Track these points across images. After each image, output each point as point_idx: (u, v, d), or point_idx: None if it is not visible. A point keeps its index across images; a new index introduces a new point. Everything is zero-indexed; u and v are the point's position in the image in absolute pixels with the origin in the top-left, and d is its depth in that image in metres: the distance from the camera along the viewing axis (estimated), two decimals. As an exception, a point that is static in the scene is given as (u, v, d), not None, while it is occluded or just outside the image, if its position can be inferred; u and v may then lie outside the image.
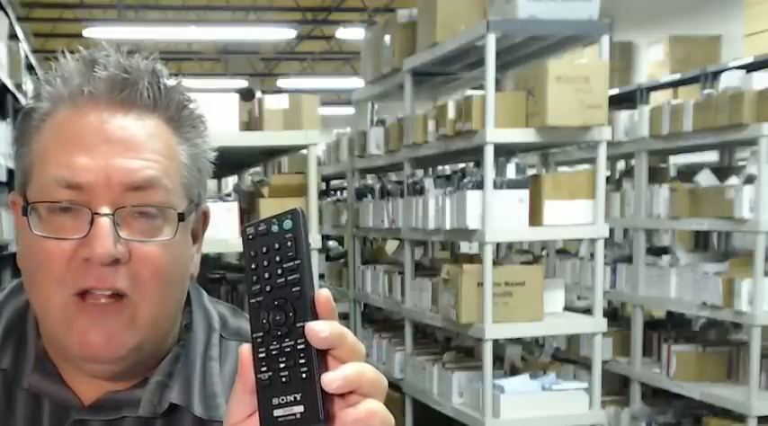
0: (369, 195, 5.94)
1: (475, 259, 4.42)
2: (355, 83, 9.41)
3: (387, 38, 5.40)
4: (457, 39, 4.44)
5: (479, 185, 4.10)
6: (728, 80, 4.79)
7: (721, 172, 5.12)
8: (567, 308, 4.63)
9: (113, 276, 0.87)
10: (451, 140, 4.43)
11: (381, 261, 6.27)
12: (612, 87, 5.48)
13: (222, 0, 14.02)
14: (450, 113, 4.36)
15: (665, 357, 5.10)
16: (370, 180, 7.15)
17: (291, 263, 0.74)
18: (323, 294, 0.73)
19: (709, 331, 5.52)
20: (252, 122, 4.07)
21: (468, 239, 4.43)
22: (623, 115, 5.41)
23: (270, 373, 0.73)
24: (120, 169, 0.88)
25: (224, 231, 3.55)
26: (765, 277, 4.41)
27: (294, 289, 0.73)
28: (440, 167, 6.34)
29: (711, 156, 6.04)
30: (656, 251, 5.66)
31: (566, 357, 5.64)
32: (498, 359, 4.55)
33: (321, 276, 6.97)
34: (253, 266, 0.75)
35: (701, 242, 6.09)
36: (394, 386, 5.27)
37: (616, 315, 6.01)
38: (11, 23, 5.13)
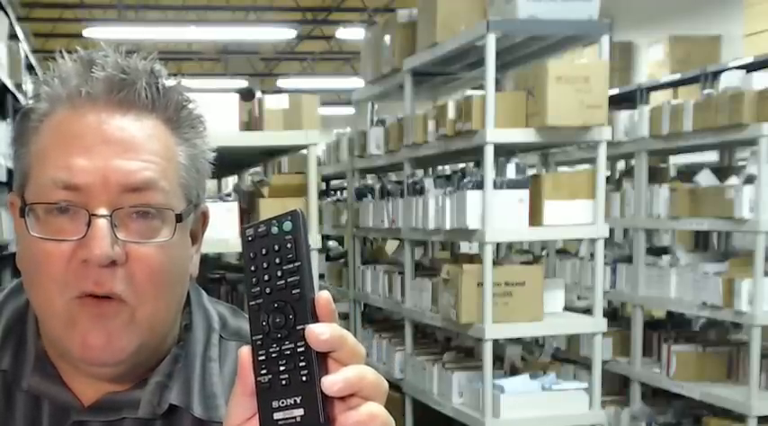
0: (369, 195, 5.94)
1: (475, 259, 4.42)
2: (355, 83, 9.41)
3: (387, 38, 5.40)
4: (457, 39, 4.44)
5: (479, 185, 4.10)
6: (728, 80, 4.79)
7: (721, 172, 5.12)
8: (567, 308, 4.63)
9: (111, 278, 0.87)
10: (451, 140, 4.43)
11: (381, 261, 6.27)
12: (612, 87, 5.48)
13: (222, 0, 14.02)
14: (451, 113, 4.35)
15: (665, 357, 5.10)
16: (370, 180, 7.15)
17: (291, 265, 0.73)
18: (323, 296, 0.73)
19: (710, 331, 5.52)
20: (252, 122, 4.07)
21: (468, 239, 4.43)
22: (623, 115, 5.41)
23: (270, 376, 0.73)
24: (118, 170, 0.87)
25: (224, 231, 3.54)
26: (765, 277, 4.41)
27: (294, 292, 0.73)
28: (440, 167, 6.34)
29: (711, 156, 6.04)
30: (656, 251, 5.66)
31: (566, 357, 5.64)
32: (498, 359, 4.55)
33: (321, 276, 6.97)
34: (252, 268, 0.75)
35: (701, 242, 6.09)
36: (394, 386, 5.27)
37: (616, 315, 6.00)
38: (11, 23, 5.13)
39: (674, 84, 6.38)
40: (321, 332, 0.71)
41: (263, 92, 5.09)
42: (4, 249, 4.32)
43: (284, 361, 0.72)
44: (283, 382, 0.72)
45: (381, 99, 6.38)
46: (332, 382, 0.71)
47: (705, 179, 4.95)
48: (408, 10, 5.26)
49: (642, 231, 5.30)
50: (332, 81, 16.43)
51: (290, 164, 6.76)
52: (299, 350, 0.72)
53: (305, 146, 3.91)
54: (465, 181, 4.24)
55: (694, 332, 5.63)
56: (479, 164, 4.41)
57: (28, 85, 5.79)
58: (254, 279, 0.75)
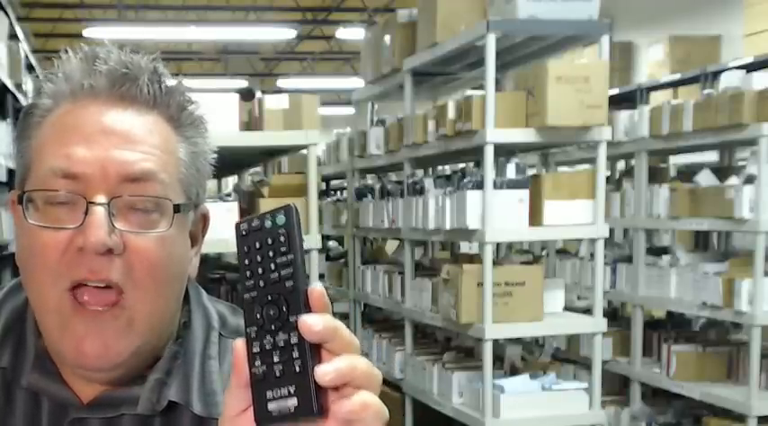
0: (369, 195, 5.94)
1: (475, 259, 4.42)
2: (355, 83, 9.41)
3: (387, 38, 5.40)
4: (457, 39, 4.44)
5: (479, 185, 4.10)
6: (728, 80, 4.79)
7: (721, 172, 5.12)
8: (567, 308, 4.63)
9: (107, 267, 0.87)
10: (451, 140, 4.43)
11: (381, 261, 6.27)
12: (612, 87, 5.48)
13: (222, 0, 14.03)
14: (451, 113, 4.35)
15: (665, 357, 5.10)
16: (370, 180, 7.15)
17: (284, 258, 0.74)
18: (316, 288, 0.74)
19: (710, 331, 5.52)
20: (252, 122, 4.07)
21: (468, 239, 4.43)
22: (623, 115, 5.41)
23: (264, 367, 0.73)
24: (117, 160, 0.88)
25: (224, 231, 3.52)
26: (765, 277, 4.41)
27: (287, 284, 0.73)
28: (440, 167, 6.34)
29: (711, 156, 6.04)
30: (656, 251, 5.66)
31: (566, 357, 5.64)
32: (498, 359, 4.55)
33: (321, 276, 6.96)
34: (246, 261, 0.76)
35: (701, 242, 6.09)
36: (394, 386, 5.27)
37: (616, 315, 6.00)
38: (11, 23, 5.14)
39: (674, 84, 6.38)
40: (314, 323, 0.72)
41: (263, 92, 5.09)
42: (4, 249, 4.32)
43: (278, 352, 0.73)
44: (277, 373, 0.73)
45: (381, 99, 6.38)
46: (324, 372, 0.71)
47: (705, 179, 4.95)
48: (408, 10, 5.26)
49: (642, 231, 5.30)
50: (332, 81, 16.44)
51: (290, 164, 6.76)
52: (292, 341, 0.73)
53: (305, 146, 3.92)
54: (465, 181, 4.24)
55: (694, 332, 5.63)
56: (479, 164, 4.41)
57: (28, 85, 5.79)
58: (248, 273, 0.76)
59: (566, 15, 4.06)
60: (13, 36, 5.29)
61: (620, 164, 6.56)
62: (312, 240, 3.80)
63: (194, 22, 13.25)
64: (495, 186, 4.07)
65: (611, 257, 5.62)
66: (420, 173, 5.77)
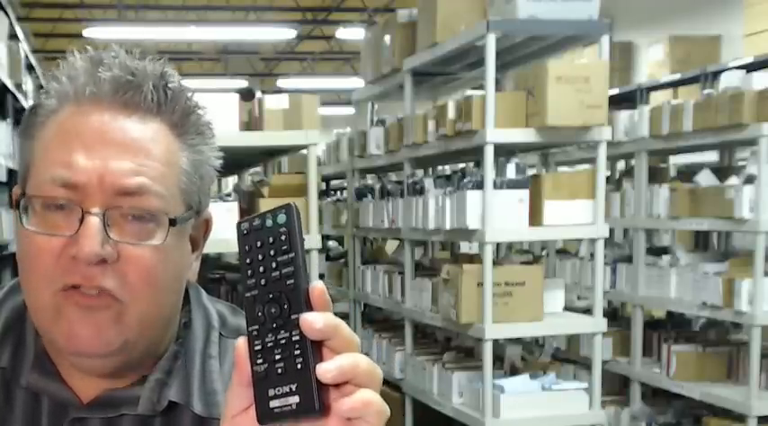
0: (369, 195, 5.94)
1: (475, 259, 4.42)
2: (355, 83, 9.41)
3: (387, 38, 5.40)
4: (457, 39, 4.44)
5: (479, 185, 4.10)
6: (728, 80, 4.79)
7: (721, 172, 5.12)
8: (567, 308, 4.62)
9: (100, 275, 0.87)
10: (451, 140, 4.43)
11: (381, 261, 6.27)
12: (612, 87, 5.48)
13: (222, 0, 14.03)
14: (451, 113, 4.35)
15: (665, 357, 5.10)
16: (370, 180, 7.15)
17: (285, 257, 0.74)
18: (317, 286, 0.74)
19: (709, 331, 5.52)
20: (252, 122, 4.07)
21: (468, 239, 4.43)
22: (623, 115, 5.41)
23: (266, 365, 0.74)
24: (114, 172, 0.88)
25: (224, 231, 3.53)
26: (765, 277, 4.41)
27: (288, 282, 0.74)
28: (440, 167, 6.34)
29: (711, 156, 6.04)
30: (656, 251, 5.66)
31: (566, 357, 5.64)
32: (498, 359, 4.55)
33: (321, 276, 6.96)
34: (248, 260, 0.76)
35: (701, 242, 6.09)
36: (394, 385, 5.27)
37: (616, 315, 6.00)
38: (11, 23, 5.14)
39: (674, 84, 6.38)
40: (315, 321, 0.72)
41: (263, 92, 5.09)
42: (4, 249, 4.32)
43: (279, 350, 0.73)
44: (279, 371, 0.73)
45: (381, 99, 6.38)
46: (326, 369, 0.71)
47: (705, 179, 4.95)
48: (408, 10, 5.26)
49: (642, 231, 5.30)
50: (332, 81, 16.44)
51: (290, 164, 6.76)
52: (293, 338, 0.73)
53: (305, 146, 3.92)
54: (465, 181, 4.24)
55: (694, 332, 5.63)
56: (479, 164, 4.41)
57: (28, 85, 5.80)
58: (249, 272, 0.76)
59: (566, 15, 4.06)
60: (13, 36, 5.29)
61: (620, 164, 6.56)
62: (312, 240, 3.80)
63: (194, 22, 13.26)
64: (495, 186, 4.07)
65: (611, 257, 5.62)
66: (420, 173, 5.77)
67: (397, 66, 5.24)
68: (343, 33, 13.04)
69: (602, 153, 4.17)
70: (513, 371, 4.55)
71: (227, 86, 14.42)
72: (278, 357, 0.73)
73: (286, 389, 0.73)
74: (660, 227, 5.45)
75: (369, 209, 5.77)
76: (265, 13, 14.38)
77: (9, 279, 4.61)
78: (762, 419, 4.51)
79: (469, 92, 4.66)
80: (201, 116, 0.95)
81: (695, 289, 4.82)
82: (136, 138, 0.90)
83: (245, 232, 0.77)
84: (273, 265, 0.75)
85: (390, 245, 6.83)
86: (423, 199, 4.68)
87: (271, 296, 0.74)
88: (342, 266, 6.76)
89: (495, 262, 4.24)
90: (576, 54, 5.61)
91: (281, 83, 15.66)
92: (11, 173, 4.39)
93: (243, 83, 14.88)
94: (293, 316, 0.73)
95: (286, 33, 13.15)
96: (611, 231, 5.72)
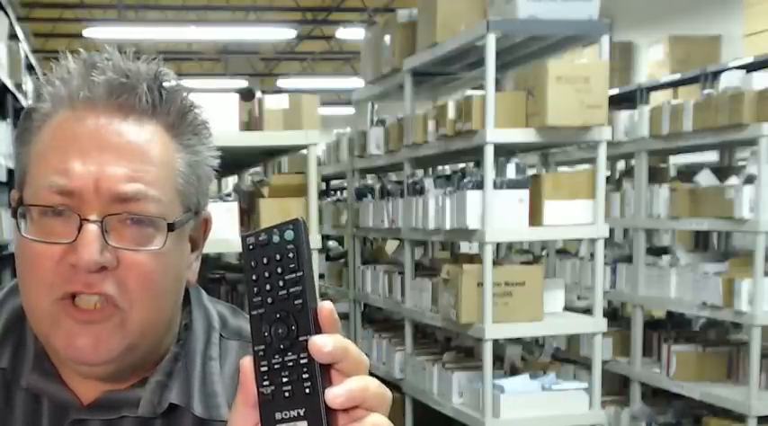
0: (369, 195, 5.94)
1: (475, 259, 4.42)
2: (355, 83, 9.41)
3: (387, 38, 5.40)
4: (457, 39, 4.44)
5: (479, 185, 4.10)
6: (728, 80, 4.79)
7: (721, 172, 5.12)
8: (567, 308, 4.62)
9: (100, 282, 0.87)
10: (451, 140, 4.43)
11: (381, 261, 6.27)
12: (612, 87, 5.48)
13: (222, 0, 14.02)
14: (451, 113, 4.35)
15: (665, 357, 5.10)
16: (370, 180, 7.15)
17: (293, 275, 0.72)
18: (326, 307, 0.73)
19: (709, 331, 5.52)
20: (252, 122, 4.07)
21: (468, 239, 4.43)
22: (623, 115, 5.41)
23: (272, 387, 0.72)
24: (110, 178, 0.87)
25: (224, 231, 3.54)
26: (765, 277, 4.41)
27: (296, 302, 0.72)
28: (440, 167, 6.34)
29: (711, 156, 6.04)
30: (656, 251, 5.66)
31: (566, 357, 5.64)
32: (498, 359, 4.55)
33: (321, 276, 6.97)
34: (254, 277, 0.74)
35: (701, 242, 6.08)
36: (394, 386, 5.27)
37: (616, 315, 6.00)
38: (11, 23, 5.14)
39: (674, 84, 6.38)
40: (324, 344, 0.71)
41: (263, 92, 5.09)
42: (4, 249, 4.32)
43: (287, 373, 0.72)
44: (286, 394, 0.72)
45: (381, 99, 6.38)
46: (335, 395, 0.70)
47: (705, 179, 4.95)
48: (408, 10, 5.26)
49: (642, 231, 5.30)
50: (332, 81, 16.44)
51: (290, 164, 6.76)
52: (301, 361, 0.71)
53: (305, 146, 3.91)
54: (465, 181, 4.24)
55: (694, 332, 5.62)
56: (479, 164, 4.41)
57: (28, 85, 5.79)
58: (255, 289, 0.74)
59: (566, 15, 4.06)
60: (13, 36, 5.29)
61: (620, 164, 6.56)
62: (312, 240, 3.79)
63: (194, 22, 13.25)
64: (495, 186, 4.07)
65: (611, 257, 5.62)
66: (420, 173, 5.77)
67: (397, 66, 5.24)
68: (343, 33, 13.04)
69: (602, 153, 4.17)
70: (513, 371, 4.55)
71: (227, 86, 14.42)
72: (285, 379, 0.72)
73: (294, 414, 0.71)
74: (660, 227, 5.45)
75: (369, 209, 5.77)
76: (265, 13, 14.38)
77: (9, 279, 4.61)
78: (762, 419, 4.51)
79: (469, 92, 4.66)
80: (198, 115, 0.95)
81: (695, 289, 4.82)
82: (132, 142, 0.89)
83: (251, 247, 0.75)
84: (281, 283, 0.73)
85: (390, 245, 6.83)
86: (423, 199, 4.68)
87: (278, 315, 0.73)
88: (342, 266, 6.76)
89: (495, 262, 4.24)
90: (576, 54, 5.61)
91: (281, 83, 15.65)
92: (11, 173, 4.40)
93: (243, 83, 14.88)
94: (301, 338, 0.72)
95: (286, 33, 13.15)
96: (611, 231, 5.71)
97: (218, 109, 3.70)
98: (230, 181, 7.30)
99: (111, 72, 0.89)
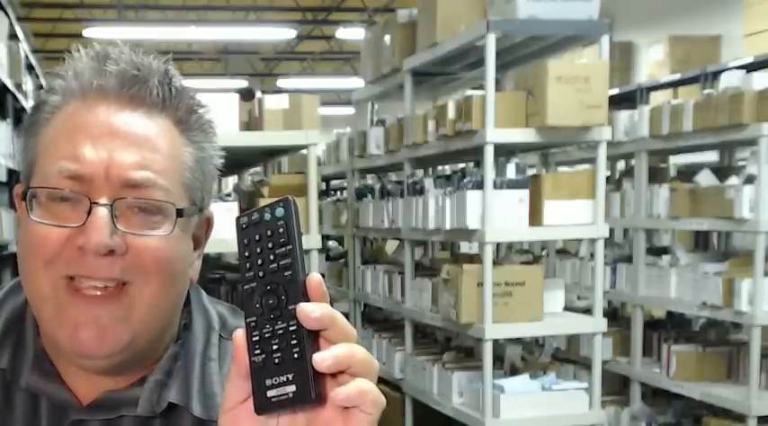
0: (369, 195, 5.94)
1: (475, 259, 4.42)
2: (355, 83, 9.41)
3: (387, 38, 5.40)
4: (457, 39, 4.44)
5: (479, 185, 4.10)
6: (728, 80, 4.79)
7: (721, 172, 5.12)
8: (567, 308, 4.62)
9: (107, 267, 0.87)
10: (451, 140, 4.43)
11: (381, 261, 6.27)
12: (612, 87, 5.48)
13: (222, 0, 14.03)
14: (451, 113, 4.35)
15: (665, 357, 5.10)
16: (370, 180, 7.15)
17: (283, 249, 0.75)
18: (314, 277, 0.75)
19: (709, 331, 5.52)
20: (252, 122, 4.07)
21: (468, 239, 4.43)
22: (623, 115, 5.41)
23: (263, 355, 0.75)
24: (120, 165, 0.88)
25: (224, 231, 3.53)
26: (765, 277, 4.41)
27: (286, 274, 0.75)
28: (440, 167, 6.34)
29: (711, 156, 6.04)
30: (656, 251, 5.66)
31: (566, 357, 5.64)
32: (498, 359, 4.55)
33: (321, 276, 6.95)
34: (246, 254, 0.77)
35: (701, 242, 6.09)
36: (394, 385, 5.27)
37: (616, 315, 6.00)
38: (11, 23, 5.14)
39: (674, 84, 6.38)
40: (311, 310, 0.73)
41: (263, 92, 5.09)
42: (4, 249, 4.32)
43: (277, 340, 0.74)
44: (276, 360, 0.74)
45: (381, 99, 6.38)
46: (322, 358, 0.72)
47: (705, 179, 4.95)
48: (408, 10, 5.26)
49: (642, 231, 5.30)
50: (332, 81, 16.44)
51: (290, 164, 6.76)
52: (291, 328, 0.74)
53: (305, 146, 3.92)
54: (465, 181, 4.24)
55: (694, 332, 5.63)
56: (479, 164, 4.41)
57: (28, 85, 5.80)
58: (247, 265, 0.77)
59: (566, 15, 4.06)
60: (13, 36, 5.30)
61: (620, 164, 6.56)
62: (312, 240, 3.80)
63: (194, 22, 13.26)
64: (495, 186, 4.07)
65: (611, 257, 5.62)
66: (420, 173, 5.77)
67: (397, 66, 5.24)
68: (343, 33, 13.04)
69: (602, 153, 4.17)
70: (513, 371, 4.55)
71: (227, 86, 14.43)
72: (275, 347, 0.74)
73: (283, 379, 0.73)
74: (660, 227, 5.45)
75: (369, 209, 5.77)
76: (265, 13, 14.38)
77: (9, 279, 4.61)
78: (762, 419, 4.51)
79: (469, 92, 4.66)
80: (204, 114, 0.96)
81: (695, 289, 4.82)
82: (141, 132, 0.90)
83: (243, 226, 0.78)
84: (271, 257, 0.75)
85: (390, 245, 6.83)
86: (423, 199, 4.68)
87: (268, 287, 0.75)
88: (342, 266, 6.76)
89: (495, 262, 4.24)
90: (576, 54, 5.61)
91: (281, 83, 15.66)
92: (11, 173, 4.40)
93: (243, 83, 14.88)
94: (290, 307, 0.74)
95: (286, 33, 13.15)
96: (611, 231, 5.72)
97: (219, 109, 3.68)
98: (230, 181, 7.30)
99: (124, 64, 0.91)
